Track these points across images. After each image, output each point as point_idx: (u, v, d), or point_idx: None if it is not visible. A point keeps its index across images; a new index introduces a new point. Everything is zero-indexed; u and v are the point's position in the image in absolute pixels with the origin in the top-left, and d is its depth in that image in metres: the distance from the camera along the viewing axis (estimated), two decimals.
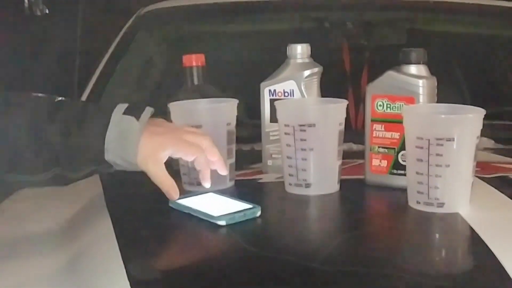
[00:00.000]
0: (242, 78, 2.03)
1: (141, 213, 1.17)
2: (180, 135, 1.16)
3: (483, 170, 1.26)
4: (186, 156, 1.16)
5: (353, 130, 1.73)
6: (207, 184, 1.19)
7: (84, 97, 1.97)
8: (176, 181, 1.24)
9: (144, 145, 1.11)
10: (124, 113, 1.12)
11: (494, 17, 2.33)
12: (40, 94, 1.16)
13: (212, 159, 1.17)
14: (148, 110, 1.14)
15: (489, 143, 1.68)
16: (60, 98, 1.15)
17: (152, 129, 1.13)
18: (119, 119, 1.11)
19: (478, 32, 2.37)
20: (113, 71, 2.09)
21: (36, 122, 1.10)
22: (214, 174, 1.26)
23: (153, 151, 1.12)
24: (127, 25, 2.25)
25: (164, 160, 1.13)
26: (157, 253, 1.02)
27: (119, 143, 1.10)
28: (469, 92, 2.44)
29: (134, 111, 1.13)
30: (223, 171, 1.20)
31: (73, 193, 1.36)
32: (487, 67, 2.41)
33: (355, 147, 1.55)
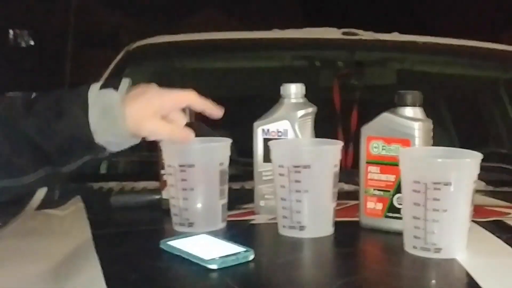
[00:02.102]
0: (230, 115, 2.01)
1: (130, 255, 1.13)
2: (163, 90, 1.12)
3: (477, 214, 1.24)
4: (177, 103, 1.12)
5: (343, 170, 1.71)
6: (220, 112, 1.15)
7: None
8: (166, 223, 1.22)
9: (131, 112, 1.06)
10: (101, 88, 1.07)
11: (483, 59, 2.34)
12: (12, 93, 1.10)
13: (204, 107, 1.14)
14: (125, 81, 1.09)
15: (480, 185, 1.66)
16: (34, 94, 1.09)
17: (132, 94, 1.08)
18: (96, 96, 1.06)
19: (467, 74, 2.38)
20: None
21: (11, 121, 1.04)
22: (205, 214, 1.24)
23: (143, 112, 1.07)
24: (116, 60, 2.24)
25: (159, 116, 1.09)
26: None
27: (105, 120, 1.05)
28: (457, 133, 2.45)
29: (110, 84, 1.08)
30: (218, 114, 1.16)
31: (61, 233, 1.33)
32: (476, 109, 2.42)
33: (346, 187, 1.53)
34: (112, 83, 1.08)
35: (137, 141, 1.09)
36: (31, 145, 1.04)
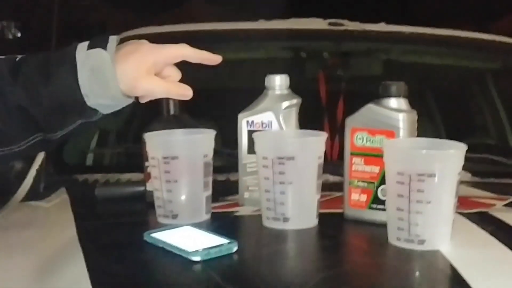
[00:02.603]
0: (215, 106, 2.01)
1: (114, 247, 1.13)
2: (155, 46, 1.06)
3: (462, 205, 1.25)
4: (172, 58, 1.06)
5: (329, 161, 1.71)
6: (219, 57, 1.10)
7: None
8: (150, 215, 1.21)
9: (123, 71, 1.00)
10: (88, 49, 1.01)
11: (470, 49, 2.34)
12: None
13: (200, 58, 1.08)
14: (113, 38, 1.03)
15: (466, 176, 1.67)
16: (18, 57, 1.04)
17: (123, 52, 1.02)
18: (85, 57, 1.00)
19: (453, 64, 2.38)
20: None
21: None
22: (189, 206, 1.23)
23: (136, 71, 1.01)
24: None
25: (153, 73, 1.03)
26: None
27: (95, 82, 1.00)
28: (443, 124, 2.45)
29: (98, 43, 1.01)
30: (216, 59, 1.10)
31: (45, 225, 1.32)
32: (463, 99, 2.42)
33: (331, 178, 1.53)
34: (100, 41, 1.02)
35: (130, 101, 1.04)
36: (20, 113, 1.00)
